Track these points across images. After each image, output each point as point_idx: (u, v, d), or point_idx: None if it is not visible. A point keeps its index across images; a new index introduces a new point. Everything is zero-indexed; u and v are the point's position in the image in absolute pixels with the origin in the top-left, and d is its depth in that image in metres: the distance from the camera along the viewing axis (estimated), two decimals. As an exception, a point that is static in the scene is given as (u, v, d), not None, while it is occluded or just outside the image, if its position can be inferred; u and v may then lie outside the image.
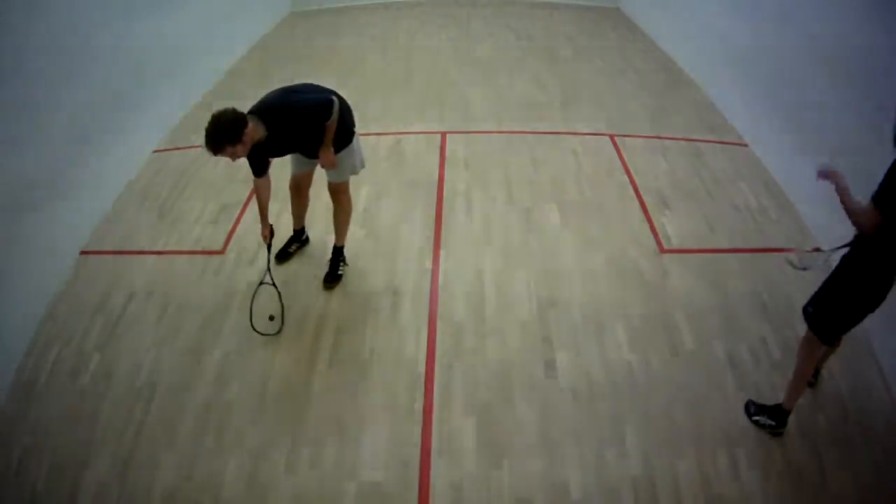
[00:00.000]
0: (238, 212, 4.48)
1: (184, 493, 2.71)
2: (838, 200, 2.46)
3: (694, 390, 3.08)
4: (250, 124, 2.97)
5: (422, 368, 3.23)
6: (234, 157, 3.00)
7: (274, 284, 3.52)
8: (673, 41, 7.11)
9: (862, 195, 3.43)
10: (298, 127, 3.18)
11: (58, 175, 3.89)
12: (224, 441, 2.91)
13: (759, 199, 4.47)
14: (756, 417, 2.92)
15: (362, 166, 3.67)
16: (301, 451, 2.85)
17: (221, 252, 4.10)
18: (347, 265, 3.87)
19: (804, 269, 2.81)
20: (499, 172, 4.85)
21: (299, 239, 4.05)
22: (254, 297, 3.51)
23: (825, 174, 2.60)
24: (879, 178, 3.33)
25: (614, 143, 5.24)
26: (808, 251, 2.80)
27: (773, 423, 2.87)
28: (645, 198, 4.50)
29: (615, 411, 2.98)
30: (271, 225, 3.47)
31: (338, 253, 3.81)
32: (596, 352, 3.29)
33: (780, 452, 2.78)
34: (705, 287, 3.70)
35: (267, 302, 3.52)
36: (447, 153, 5.15)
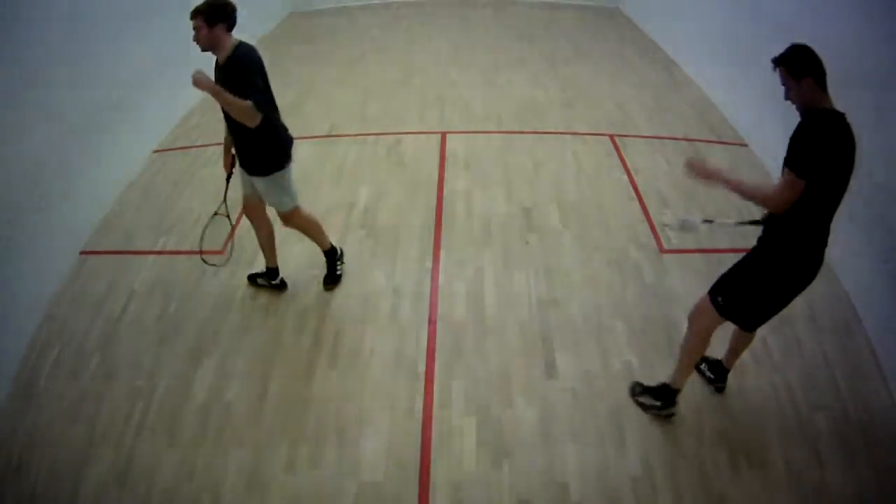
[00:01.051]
0: (238, 212, 4.47)
1: (184, 493, 2.71)
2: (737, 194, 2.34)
3: (694, 390, 3.07)
4: (229, 31, 3.03)
5: (422, 368, 3.23)
6: (198, 32, 2.95)
7: (228, 216, 3.54)
8: (673, 41, 7.11)
9: (862, 200, 3.45)
10: (234, 79, 2.96)
11: (58, 175, 3.89)
12: (224, 441, 2.91)
13: (759, 199, 4.47)
14: (640, 399, 2.95)
15: (294, 201, 3.43)
16: (301, 451, 2.85)
17: (221, 252, 4.10)
18: (344, 263, 3.86)
19: (686, 231, 2.70)
20: (499, 172, 4.85)
21: (273, 277, 3.76)
22: (206, 227, 3.54)
23: (700, 173, 2.43)
24: (878, 179, 3.36)
25: (614, 143, 5.24)
26: (687, 218, 2.66)
27: (659, 403, 2.89)
28: (645, 198, 4.50)
29: (615, 411, 2.98)
30: (234, 156, 3.33)
31: (330, 256, 3.77)
32: (596, 352, 3.29)
33: (780, 452, 2.78)
34: (705, 287, 3.68)
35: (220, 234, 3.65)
36: (447, 153, 5.15)
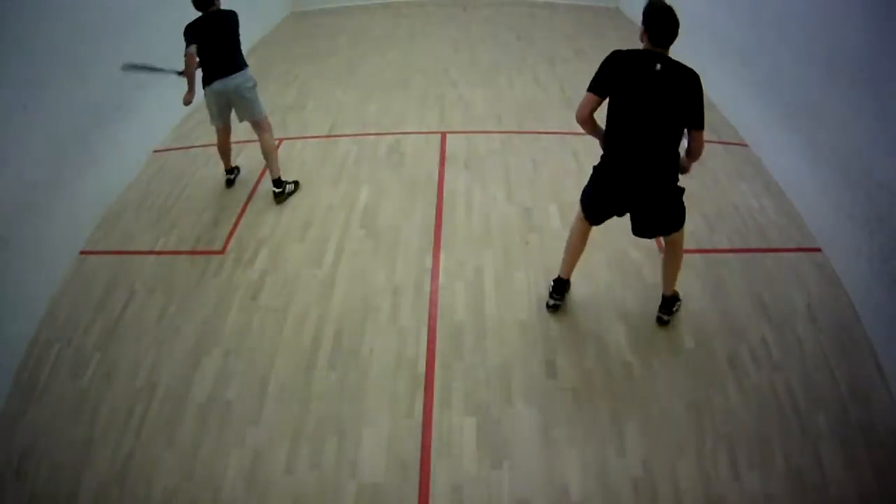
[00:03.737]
0: (238, 212, 4.48)
1: (184, 493, 2.71)
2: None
3: (694, 390, 3.07)
4: None
5: (422, 368, 3.23)
6: None
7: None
8: (673, 41, 7.10)
9: (863, 200, 3.46)
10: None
11: (58, 175, 3.89)
12: (224, 441, 2.91)
13: (759, 199, 4.47)
14: (550, 289, 3.47)
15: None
16: (301, 451, 2.85)
17: (221, 252, 4.10)
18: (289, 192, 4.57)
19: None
20: (499, 172, 4.85)
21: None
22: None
23: None
24: (878, 178, 3.36)
25: (614, 143, 5.23)
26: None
27: (551, 288, 3.43)
28: (645, 198, 4.49)
29: (615, 411, 2.98)
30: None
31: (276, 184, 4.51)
32: (596, 352, 3.29)
33: (781, 452, 2.78)
34: (705, 287, 3.70)
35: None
36: (447, 153, 5.15)
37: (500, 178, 4.79)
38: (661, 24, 2.64)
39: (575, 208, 4.37)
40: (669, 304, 3.40)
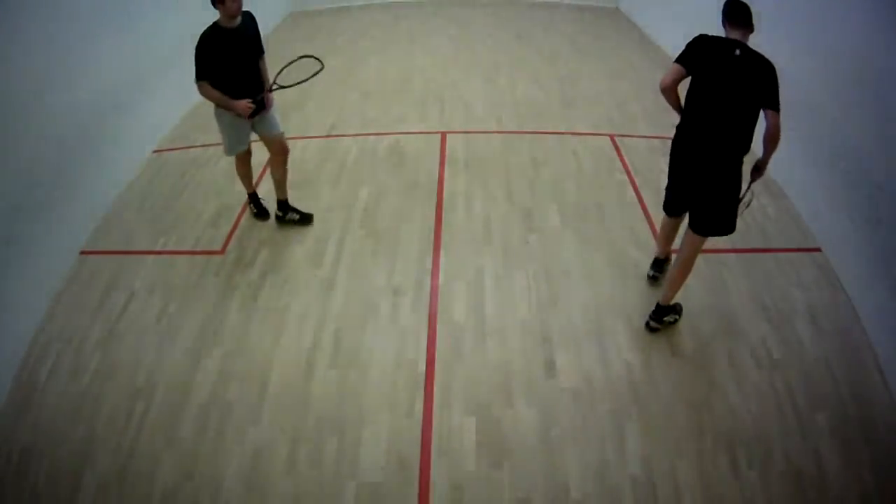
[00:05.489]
0: (238, 212, 4.48)
1: (184, 493, 2.71)
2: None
3: (694, 390, 3.08)
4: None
5: (422, 368, 3.23)
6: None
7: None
8: (672, 41, 7.10)
9: (862, 201, 3.46)
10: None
11: (58, 175, 3.89)
12: (224, 441, 2.91)
13: (759, 199, 4.46)
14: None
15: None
16: (301, 451, 2.85)
17: (221, 252, 4.10)
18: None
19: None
20: (499, 172, 4.85)
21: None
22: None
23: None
24: (878, 178, 3.37)
25: (614, 143, 5.24)
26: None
27: (652, 263, 3.73)
28: (645, 198, 4.49)
29: (615, 411, 2.98)
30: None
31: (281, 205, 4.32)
32: (596, 352, 3.30)
33: (781, 452, 2.79)
34: (705, 287, 3.70)
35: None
36: (447, 153, 5.15)
37: (500, 178, 4.79)
38: (736, 7, 2.90)
39: (575, 208, 4.43)
40: (662, 312, 3.36)
